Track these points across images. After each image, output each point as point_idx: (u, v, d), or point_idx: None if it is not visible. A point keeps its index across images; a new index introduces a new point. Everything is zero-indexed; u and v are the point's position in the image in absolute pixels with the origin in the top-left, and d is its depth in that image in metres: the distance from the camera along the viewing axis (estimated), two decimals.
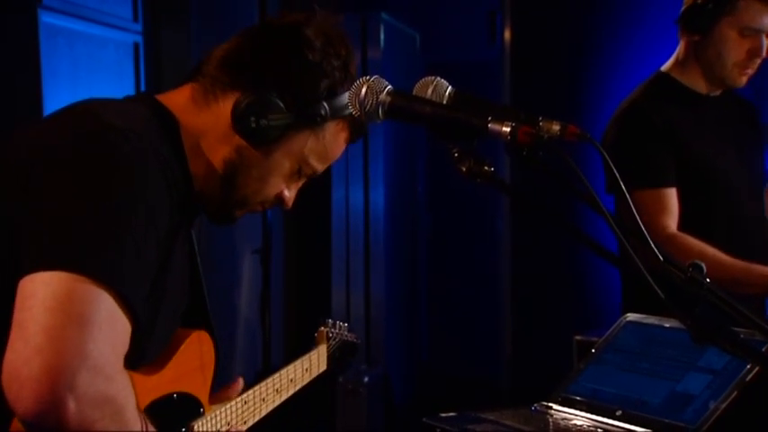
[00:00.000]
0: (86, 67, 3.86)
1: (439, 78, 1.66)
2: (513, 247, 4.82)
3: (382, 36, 5.28)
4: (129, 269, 1.40)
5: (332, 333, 2.24)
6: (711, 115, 2.96)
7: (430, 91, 1.64)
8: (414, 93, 1.65)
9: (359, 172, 5.33)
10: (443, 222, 6.03)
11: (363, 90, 1.57)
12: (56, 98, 3.61)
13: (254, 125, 1.61)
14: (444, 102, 1.63)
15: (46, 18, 3.57)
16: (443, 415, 2.15)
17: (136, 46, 4.17)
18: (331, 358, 2.23)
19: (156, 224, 1.47)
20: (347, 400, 4.77)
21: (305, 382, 2.11)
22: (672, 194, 2.84)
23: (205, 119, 1.65)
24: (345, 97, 1.64)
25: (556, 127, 1.50)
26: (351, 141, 1.77)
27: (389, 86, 1.58)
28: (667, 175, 2.85)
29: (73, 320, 1.32)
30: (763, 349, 1.81)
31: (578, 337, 2.64)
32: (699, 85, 2.94)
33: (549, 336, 3.27)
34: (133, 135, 1.50)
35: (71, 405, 1.30)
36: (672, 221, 2.82)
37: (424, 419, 2.15)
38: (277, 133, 1.63)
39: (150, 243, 1.45)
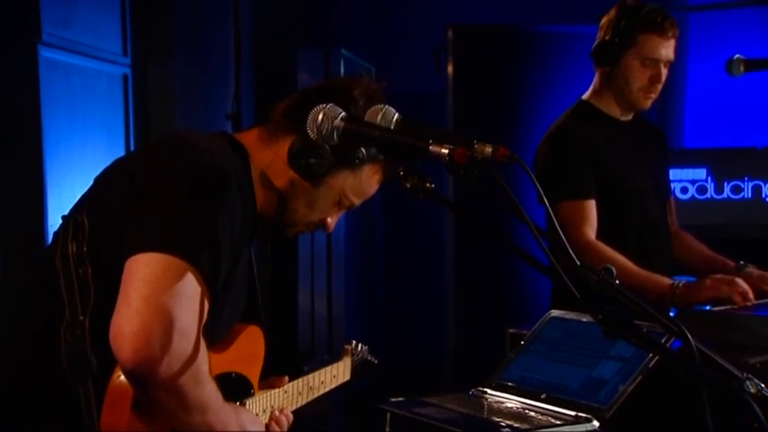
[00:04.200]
0: (81, 96, 3.81)
1: (387, 106, 1.67)
2: (455, 252, 4.83)
3: (342, 69, 5.28)
4: (211, 257, 1.51)
5: (355, 351, 2.34)
6: (625, 137, 2.99)
7: (379, 117, 1.64)
8: (365, 119, 1.65)
9: None
10: (395, 231, 6.04)
11: (320, 116, 1.58)
12: (54, 124, 3.56)
13: (304, 163, 1.71)
14: (392, 126, 1.64)
15: (45, 53, 3.53)
16: (393, 400, 2.14)
17: (125, 77, 4.14)
18: (354, 371, 2.33)
19: (233, 228, 1.57)
20: None
21: (332, 386, 2.23)
22: (591, 206, 2.85)
23: (268, 154, 1.77)
24: None
25: (488, 149, 1.51)
26: (383, 182, 1.85)
27: (343, 113, 1.59)
28: (587, 188, 2.86)
29: (166, 291, 1.43)
30: (662, 341, 1.83)
31: (511, 330, 2.63)
32: (613, 110, 2.97)
33: (487, 329, 3.27)
34: (218, 156, 1.62)
35: (162, 357, 1.40)
36: (590, 230, 2.82)
37: (377, 404, 2.14)
38: (322, 170, 1.72)
39: (227, 241, 1.55)
